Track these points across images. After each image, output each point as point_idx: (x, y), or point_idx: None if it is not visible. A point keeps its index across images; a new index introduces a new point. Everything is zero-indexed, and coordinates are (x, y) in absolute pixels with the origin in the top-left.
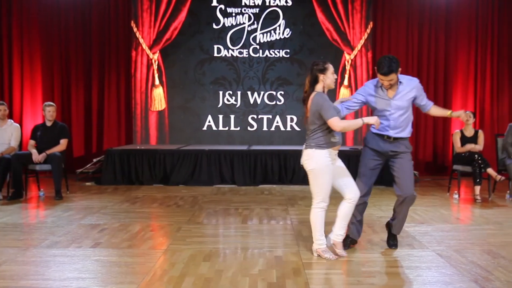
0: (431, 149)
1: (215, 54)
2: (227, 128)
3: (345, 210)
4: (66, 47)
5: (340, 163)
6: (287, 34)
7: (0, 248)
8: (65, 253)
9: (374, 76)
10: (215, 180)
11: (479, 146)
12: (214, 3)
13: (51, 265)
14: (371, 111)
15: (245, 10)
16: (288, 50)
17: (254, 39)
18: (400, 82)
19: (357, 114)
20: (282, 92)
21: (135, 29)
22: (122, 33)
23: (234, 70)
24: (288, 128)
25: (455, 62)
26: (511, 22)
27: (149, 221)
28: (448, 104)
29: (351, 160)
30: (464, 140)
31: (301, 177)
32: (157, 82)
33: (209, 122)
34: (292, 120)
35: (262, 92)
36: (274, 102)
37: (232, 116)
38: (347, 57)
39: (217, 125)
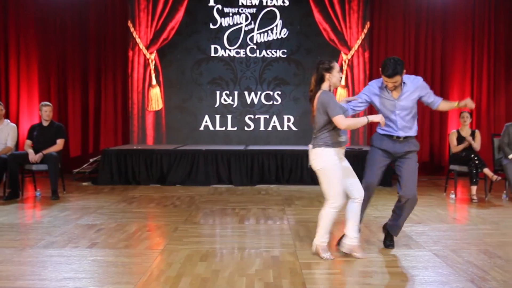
0: (428, 149)
1: (212, 54)
2: (224, 128)
3: (355, 210)
4: (63, 47)
5: (346, 163)
6: (284, 34)
7: None
8: (61, 253)
9: (371, 76)
10: (212, 180)
11: (476, 144)
12: (211, 3)
13: (47, 265)
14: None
15: (242, 10)
16: (285, 50)
17: (251, 39)
18: (404, 82)
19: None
20: (279, 92)
21: (132, 29)
22: (119, 32)
23: (231, 70)
24: (285, 128)
25: (451, 61)
26: (507, 22)
27: (146, 221)
28: None
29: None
30: (461, 140)
31: (298, 177)
32: (154, 82)
33: (206, 122)
34: (289, 120)
35: (259, 92)
36: (271, 102)
37: (229, 116)
38: (344, 57)
39: (214, 125)
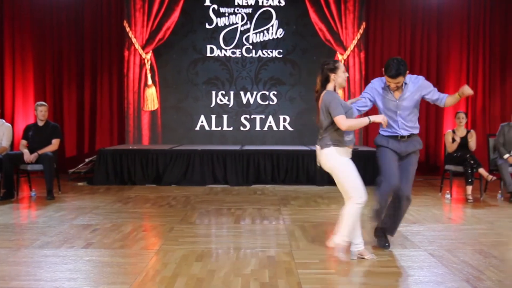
0: (423, 149)
1: (208, 54)
2: (220, 128)
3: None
4: (58, 46)
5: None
6: (280, 34)
7: None
8: (56, 254)
9: (366, 76)
10: (208, 180)
11: (471, 144)
12: (207, 3)
13: (42, 265)
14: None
15: (238, 10)
16: (281, 50)
17: (247, 39)
18: (405, 83)
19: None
20: (275, 92)
21: (127, 29)
22: (115, 32)
23: (227, 70)
24: (281, 128)
25: (447, 62)
26: (502, 23)
27: (141, 221)
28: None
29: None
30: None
31: (294, 177)
32: (149, 82)
33: (202, 122)
34: (285, 120)
35: (255, 92)
36: (267, 102)
37: (225, 116)
38: (340, 57)
39: (210, 125)
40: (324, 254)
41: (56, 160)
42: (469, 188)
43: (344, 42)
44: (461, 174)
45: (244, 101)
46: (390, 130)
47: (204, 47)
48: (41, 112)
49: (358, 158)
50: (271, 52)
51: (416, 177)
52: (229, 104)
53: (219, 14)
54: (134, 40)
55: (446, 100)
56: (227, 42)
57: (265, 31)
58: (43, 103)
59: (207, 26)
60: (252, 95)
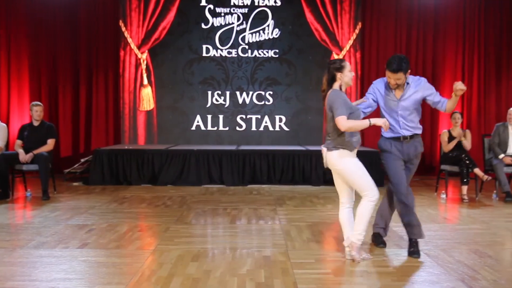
0: None
1: (204, 54)
2: (215, 128)
3: (351, 216)
4: (53, 46)
5: None
6: (276, 34)
7: None
8: (52, 254)
9: (362, 77)
10: (204, 180)
11: (467, 143)
12: (203, 3)
13: (38, 266)
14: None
15: (234, 10)
16: (277, 50)
17: (243, 39)
18: (407, 83)
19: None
20: (271, 92)
21: (123, 29)
22: (110, 32)
23: (223, 70)
24: (277, 128)
25: (442, 62)
26: (497, 24)
27: (137, 222)
28: None
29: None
30: (452, 140)
31: (290, 177)
32: (145, 82)
33: (198, 122)
34: (280, 120)
35: (250, 92)
36: (262, 102)
37: (221, 116)
38: (336, 57)
39: (205, 125)
40: (320, 254)
41: (51, 160)
42: (465, 188)
43: (340, 42)
44: (456, 174)
45: (240, 101)
46: (393, 131)
47: (200, 47)
48: (36, 112)
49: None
50: (267, 52)
51: (412, 177)
52: (225, 104)
53: (215, 14)
54: (129, 40)
55: (446, 105)
56: (223, 42)
57: (261, 31)
58: (38, 103)
59: (203, 26)
60: (248, 95)
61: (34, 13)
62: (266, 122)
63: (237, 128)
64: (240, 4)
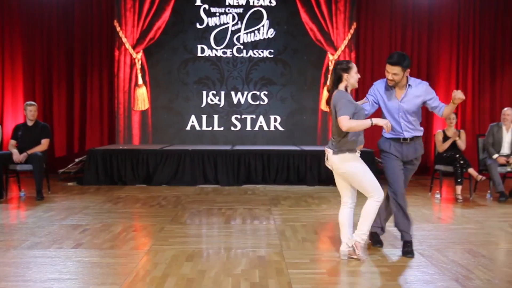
0: None
1: (199, 54)
2: (210, 128)
3: (349, 216)
4: (48, 46)
5: None
6: (271, 34)
7: None
8: (46, 254)
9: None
10: (198, 180)
11: (461, 143)
12: (198, 3)
13: (31, 266)
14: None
15: (229, 10)
16: (272, 50)
17: (238, 39)
18: (409, 85)
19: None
20: (266, 92)
21: (118, 28)
22: (105, 32)
23: (217, 70)
24: (272, 128)
25: (437, 63)
26: (492, 24)
27: (131, 222)
28: None
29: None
30: (446, 140)
31: (285, 177)
32: (140, 81)
33: (193, 122)
34: (275, 120)
35: (245, 92)
36: (257, 102)
37: (216, 116)
38: (331, 57)
39: (200, 125)
40: (315, 254)
41: (45, 160)
42: (459, 188)
43: (334, 42)
44: (451, 174)
45: (235, 101)
46: (394, 132)
47: (195, 47)
48: (30, 112)
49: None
50: (262, 52)
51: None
52: (220, 104)
53: (210, 14)
54: (124, 39)
55: (444, 110)
56: (218, 42)
57: (256, 31)
58: (33, 102)
59: (198, 26)
60: (243, 95)
61: (28, 12)
62: (261, 122)
63: (232, 128)
64: (235, 4)
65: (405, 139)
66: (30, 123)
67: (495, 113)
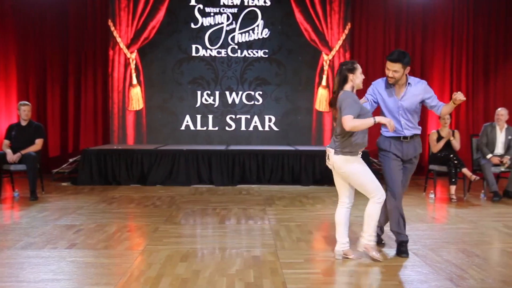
0: None
1: (193, 54)
2: (205, 128)
3: (346, 216)
4: (42, 45)
5: None
6: (266, 34)
7: None
8: (40, 255)
9: None
10: (193, 180)
11: (455, 143)
12: (193, 3)
13: (25, 266)
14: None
15: (223, 10)
16: (267, 50)
17: (233, 39)
18: (409, 83)
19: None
20: (261, 92)
21: (112, 28)
22: (99, 31)
23: (212, 70)
24: (266, 128)
25: (431, 63)
26: (486, 24)
27: (126, 222)
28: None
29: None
30: (440, 140)
31: (279, 177)
32: (134, 81)
33: (187, 122)
34: (270, 120)
35: (240, 92)
36: (252, 102)
37: (210, 116)
38: (325, 57)
39: (195, 125)
40: (309, 253)
41: (39, 160)
42: (453, 188)
43: (329, 43)
44: (445, 174)
45: (230, 101)
46: (394, 130)
47: (189, 47)
48: (24, 112)
49: None
50: (257, 52)
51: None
52: (214, 104)
53: (204, 14)
54: (119, 39)
55: (442, 109)
56: (213, 42)
57: (251, 31)
58: (26, 102)
59: (193, 25)
60: (237, 95)
61: (22, 11)
62: (255, 122)
63: (227, 128)
64: (230, 4)
65: (405, 137)
66: (24, 123)
67: (489, 113)
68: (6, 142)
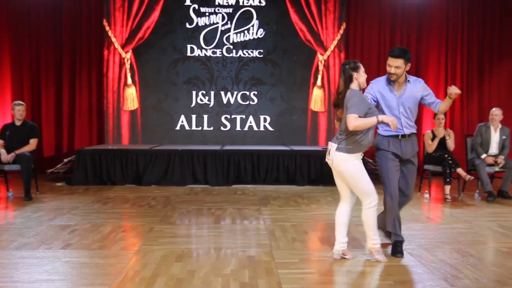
0: None
1: (188, 54)
2: (200, 128)
3: (346, 216)
4: (36, 45)
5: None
6: (261, 34)
7: None
8: (34, 255)
9: None
10: (188, 180)
11: (450, 143)
12: (188, 3)
13: (19, 267)
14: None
15: (218, 9)
16: (262, 50)
17: (228, 39)
18: (408, 81)
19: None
20: (256, 92)
21: (107, 28)
22: (94, 31)
23: (207, 70)
24: (261, 128)
25: (426, 63)
26: (480, 25)
27: (120, 222)
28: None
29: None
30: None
31: (274, 177)
32: (129, 81)
33: (182, 122)
34: (265, 120)
35: (235, 92)
36: (247, 102)
37: (205, 116)
38: (320, 57)
39: (190, 125)
40: (304, 253)
41: (34, 160)
42: (448, 188)
43: (324, 43)
44: (439, 174)
45: (225, 101)
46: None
47: (184, 47)
48: (18, 112)
49: None
50: (252, 52)
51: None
52: (209, 104)
53: (199, 14)
54: (113, 39)
55: (440, 106)
56: (208, 41)
57: (246, 31)
58: (21, 102)
59: (188, 25)
60: (232, 95)
61: (16, 11)
62: (250, 122)
63: (222, 128)
64: (225, 4)
65: (403, 136)
66: (18, 123)
67: (483, 113)
68: (0, 142)
